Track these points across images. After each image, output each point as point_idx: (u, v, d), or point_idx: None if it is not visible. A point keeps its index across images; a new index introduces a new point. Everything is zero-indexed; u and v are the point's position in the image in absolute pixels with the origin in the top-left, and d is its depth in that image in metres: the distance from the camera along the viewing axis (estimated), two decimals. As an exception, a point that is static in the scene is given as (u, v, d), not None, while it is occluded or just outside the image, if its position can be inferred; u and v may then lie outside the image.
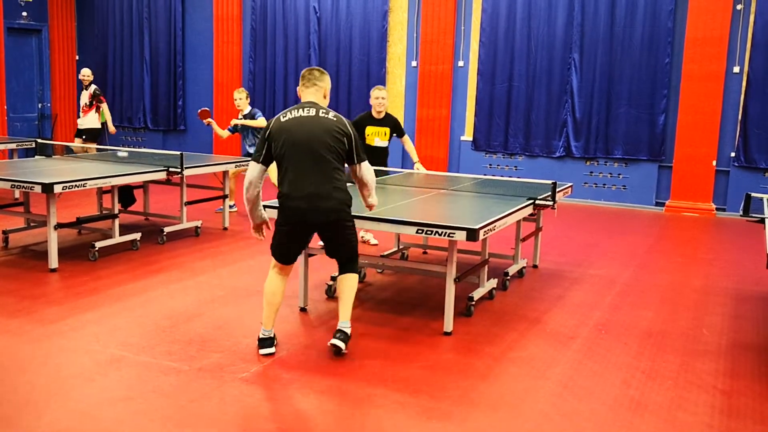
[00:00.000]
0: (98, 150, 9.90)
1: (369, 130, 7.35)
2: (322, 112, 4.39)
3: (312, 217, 4.35)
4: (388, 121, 7.42)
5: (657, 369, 4.53)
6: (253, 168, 4.44)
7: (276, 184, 8.75)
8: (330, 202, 4.34)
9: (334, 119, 4.39)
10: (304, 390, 4.04)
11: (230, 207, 9.29)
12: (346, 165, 4.52)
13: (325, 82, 4.55)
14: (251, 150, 9.06)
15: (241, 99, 9.02)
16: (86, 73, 10.77)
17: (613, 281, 6.65)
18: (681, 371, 4.51)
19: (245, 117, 9.03)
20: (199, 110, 9.15)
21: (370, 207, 4.78)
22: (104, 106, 10.86)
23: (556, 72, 11.31)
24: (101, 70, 15.04)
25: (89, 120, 10.75)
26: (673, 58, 10.70)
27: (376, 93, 7.34)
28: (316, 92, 4.51)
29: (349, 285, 4.59)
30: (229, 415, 3.74)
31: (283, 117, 4.39)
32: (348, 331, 4.53)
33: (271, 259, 4.59)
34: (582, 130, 11.26)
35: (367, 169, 4.55)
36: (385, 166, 7.54)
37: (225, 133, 9.19)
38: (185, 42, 14.26)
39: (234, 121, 9.01)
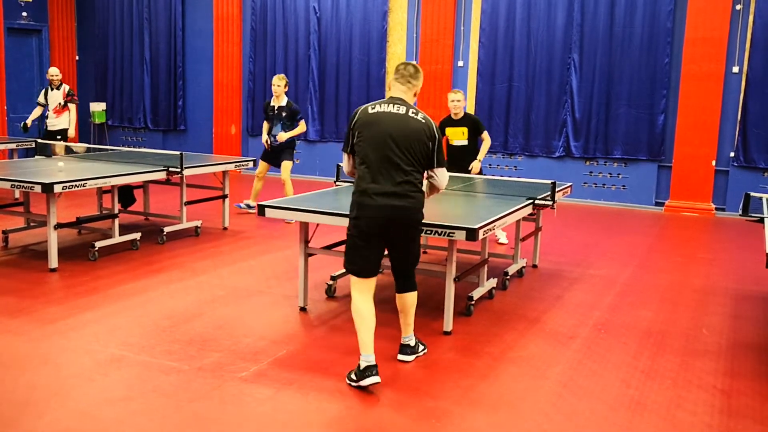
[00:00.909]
0: (93, 150, 9.83)
1: (448, 131, 7.70)
2: (412, 112, 4.19)
3: (389, 214, 4.09)
4: (467, 120, 7.68)
5: (656, 369, 4.54)
6: (345, 161, 4.36)
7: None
8: (409, 202, 4.13)
9: (423, 120, 4.19)
10: (304, 389, 4.05)
11: (249, 207, 9.29)
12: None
13: (419, 81, 4.36)
14: (276, 139, 9.01)
15: (280, 86, 8.92)
16: (55, 73, 10.42)
17: (613, 281, 6.66)
18: (680, 371, 4.51)
19: (281, 109, 8.96)
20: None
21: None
22: (74, 107, 10.49)
23: (556, 72, 11.32)
24: (101, 71, 15.06)
25: (63, 120, 10.46)
26: (673, 58, 10.70)
27: (450, 96, 7.67)
28: (407, 90, 4.30)
29: (413, 301, 4.49)
30: (229, 414, 3.74)
31: (371, 108, 4.20)
32: (413, 342, 4.54)
33: (352, 281, 4.24)
34: (581, 130, 11.27)
35: (443, 176, 4.33)
36: (468, 163, 7.77)
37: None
38: (185, 42, 14.27)
39: (280, 136, 8.91)
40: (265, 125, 9.22)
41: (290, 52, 13.18)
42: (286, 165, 9.02)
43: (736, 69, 10.43)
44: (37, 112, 10.64)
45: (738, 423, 3.83)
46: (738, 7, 10.29)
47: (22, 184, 6.26)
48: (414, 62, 4.35)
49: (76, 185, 6.38)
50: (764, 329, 5.42)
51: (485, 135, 7.75)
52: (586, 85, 11.16)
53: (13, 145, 10.40)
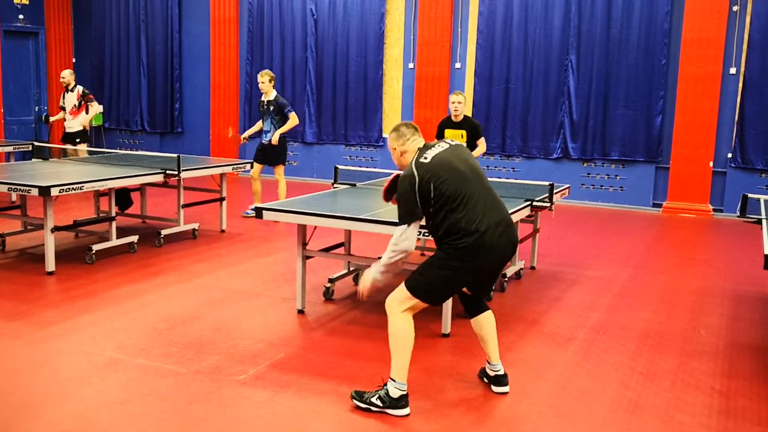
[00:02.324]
0: (91, 153, 9.80)
1: (447, 133, 7.67)
2: (452, 143, 4.10)
3: (504, 253, 3.86)
4: (467, 124, 7.66)
5: (654, 370, 4.53)
6: (413, 229, 3.78)
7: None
8: (515, 230, 4.01)
9: (464, 146, 4.17)
10: (302, 392, 4.04)
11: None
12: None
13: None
14: (267, 136, 9.00)
15: (264, 83, 8.95)
16: (64, 75, 10.27)
17: (611, 282, 6.66)
18: (678, 372, 4.51)
19: (269, 103, 8.98)
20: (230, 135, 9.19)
21: None
22: (95, 104, 10.43)
23: (553, 74, 11.33)
24: (98, 73, 15.04)
25: (79, 122, 10.37)
26: (670, 60, 10.72)
27: (452, 98, 7.63)
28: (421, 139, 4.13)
29: (494, 323, 4.17)
30: (227, 417, 3.73)
31: (423, 158, 3.84)
32: (504, 370, 4.13)
33: (407, 301, 3.90)
34: (579, 132, 11.27)
35: None
36: None
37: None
38: (182, 45, 14.26)
39: (274, 139, 8.92)
40: (258, 124, 9.29)
41: (287, 54, 13.18)
42: (281, 170, 9.09)
43: (733, 70, 10.44)
44: (60, 115, 10.57)
45: (736, 424, 3.83)
46: (735, 8, 10.31)
47: (18, 187, 6.24)
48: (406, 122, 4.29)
49: (73, 188, 6.36)
50: (762, 330, 5.42)
51: (481, 141, 7.71)
52: (583, 87, 11.17)
53: (9, 148, 10.38)
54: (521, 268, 6.80)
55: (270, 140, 8.98)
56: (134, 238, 7.28)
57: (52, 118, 10.81)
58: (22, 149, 10.52)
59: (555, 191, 6.27)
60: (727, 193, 10.54)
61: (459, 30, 11.97)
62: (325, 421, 3.74)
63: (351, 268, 6.26)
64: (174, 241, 7.74)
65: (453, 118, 7.66)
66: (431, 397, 4.05)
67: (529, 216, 6.37)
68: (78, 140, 10.39)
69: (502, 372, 4.11)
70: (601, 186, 11.31)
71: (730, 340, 5.15)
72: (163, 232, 7.64)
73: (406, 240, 3.76)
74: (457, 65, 12.05)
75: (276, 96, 9.04)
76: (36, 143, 9.56)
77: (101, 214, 8.01)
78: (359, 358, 4.60)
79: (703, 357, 4.79)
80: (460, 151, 4.00)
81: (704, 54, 10.36)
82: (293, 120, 9.02)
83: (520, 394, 4.14)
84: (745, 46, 10.31)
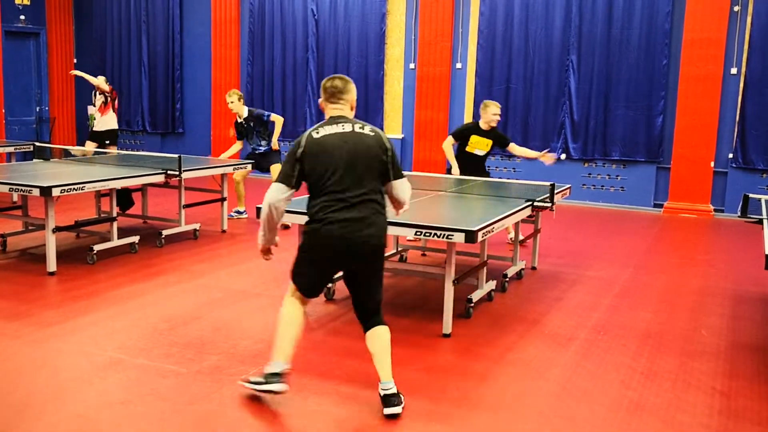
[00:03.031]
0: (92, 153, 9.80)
1: (473, 139, 7.73)
2: (358, 127, 3.87)
3: (348, 246, 3.77)
4: (494, 134, 7.77)
5: (655, 370, 4.53)
6: (281, 191, 3.77)
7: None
8: (372, 229, 3.79)
9: (373, 134, 3.88)
10: (303, 392, 4.04)
11: (240, 213, 9.22)
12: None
13: (350, 93, 3.98)
14: (260, 149, 9.01)
15: (233, 102, 8.82)
16: (100, 82, 10.27)
17: (612, 283, 6.65)
18: (679, 372, 4.51)
19: (247, 120, 8.94)
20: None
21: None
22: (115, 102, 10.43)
23: (554, 74, 11.33)
24: (99, 74, 14.94)
25: (108, 120, 10.31)
26: (671, 60, 10.71)
27: (494, 110, 7.66)
28: (342, 106, 3.96)
29: (386, 340, 3.94)
30: (228, 417, 3.73)
31: (316, 133, 3.84)
32: (395, 389, 3.83)
33: (290, 285, 4.02)
34: (580, 132, 11.27)
35: (403, 187, 3.98)
36: (484, 172, 7.94)
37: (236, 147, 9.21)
38: (183, 45, 14.27)
39: (274, 144, 8.87)
40: (237, 144, 9.18)
41: (288, 54, 13.18)
42: (276, 168, 8.94)
43: (734, 70, 10.44)
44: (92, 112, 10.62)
45: (737, 424, 3.83)
46: (736, 8, 10.30)
47: (20, 187, 6.25)
48: (340, 75, 4.05)
49: (74, 188, 6.37)
50: (763, 330, 5.42)
51: (513, 145, 7.86)
52: (584, 87, 11.17)
53: (11, 149, 10.39)
54: (522, 269, 6.80)
55: (266, 149, 8.97)
56: (135, 239, 7.28)
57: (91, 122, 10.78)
58: (24, 150, 10.53)
59: (556, 191, 6.27)
60: (728, 193, 10.54)
61: (460, 30, 11.97)
62: (326, 421, 3.74)
63: (352, 269, 6.25)
64: (175, 241, 7.74)
65: (483, 125, 7.69)
66: (432, 397, 4.04)
67: (530, 216, 6.37)
68: (107, 141, 10.34)
69: (391, 391, 3.79)
70: (602, 186, 11.31)
71: (731, 340, 5.14)
72: (164, 232, 7.64)
73: (269, 193, 3.78)
74: (458, 65, 12.05)
75: (249, 110, 8.94)
76: (37, 144, 9.56)
77: (102, 215, 8.01)
78: (360, 358, 4.59)
79: (704, 357, 4.79)
80: (357, 140, 3.82)
81: (705, 54, 10.36)
82: (278, 120, 8.98)
83: (521, 394, 4.14)
84: (746, 47, 10.30)
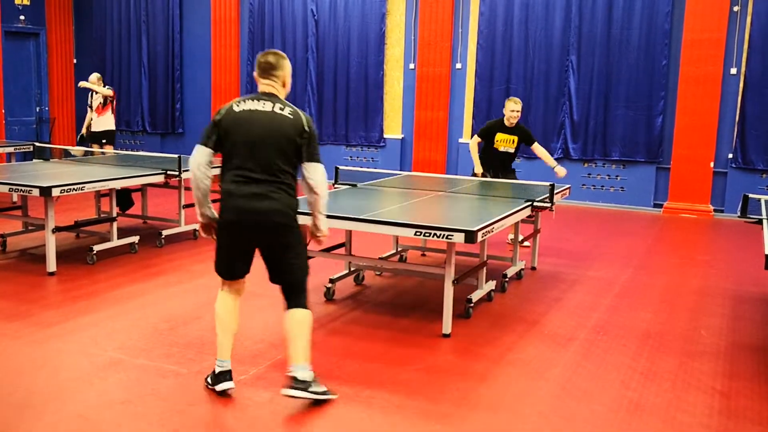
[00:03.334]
0: (91, 153, 9.79)
1: (499, 136, 7.74)
2: (279, 107, 3.90)
3: (251, 220, 3.82)
4: (518, 130, 7.77)
5: (655, 370, 4.53)
6: (201, 152, 3.86)
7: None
8: (273, 204, 3.81)
9: (291, 116, 3.89)
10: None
11: None
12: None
13: (283, 69, 4.01)
14: None
15: None
16: (93, 81, 10.41)
17: (612, 283, 6.66)
18: (679, 372, 4.51)
19: None
20: None
21: (316, 234, 4.09)
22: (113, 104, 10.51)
23: (554, 74, 11.33)
24: (99, 74, 15.02)
25: (105, 121, 10.38)
26: (671, 60, 10.72)
27: (511, 106, 7.70)
28: (272, 83, 3.99)
29: (302, 324, 3.92)
30: (227, 418, 3.73)
31: (237, 106, 3.91)
32: (308, 376, 3.83)
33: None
34: (580, 132, 11.27)
35: (316, 171, 3.92)
36: (510, 171, 7.94)
37: None
38: (183, 45, 14.27)
39: None
40: None
41: (288, 54, 12.80)
42: None
43: (734, 70, 10.44)
44: (88, 116, 10.59)
45: (737, 424, 3.83)
46: (736, 8, 10.30)
47: (19, 187, 6.25)
48: (275, 50, 4.09)
49: (74, 189, 6.37)
50: (763, 330, 5.42)
51: (536, 146, 7.88)
52: (584, 87, 11.17)
53: (10, 149, 10.39)
54: (522, 269, 6.80)
55: None
56: (135, 239, 7.28)
57: (84, 128, 10.71)
58: (23, 150, 10.53)
59: (556, 192, 6.27)
60: (727, 193, 10.54)
61: (460, 30, 11.98)
62: (326, 421, 3.74)
63: (352, 269, 6.26)
64: (175, 241, 7.74)
65: (507, 123, 7.72)
66: (432, 397, 4.05)
67: (529, 216, 6.37)
68: (104, 141, 10.41)
69: (296, 375, 3.81)
70: (602, 186, 11.31)
71: (731, 341, 5.14)
72: (164, 232, 7.64)
73: (192, 155, 3.90)
74: (458, 66, 12.05)
75: None
76: (37, 144, 9.56)
77: (102, 215, 8.01)
78: (360, 358, 4.60)
79: (704, 357, 4.79)
80: (273, 119, 3.86)
81: (705, 54, 10.36)
82: None
83: (520, 394, 4.14)
84: (745, 47, 10.31)
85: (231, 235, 3.94)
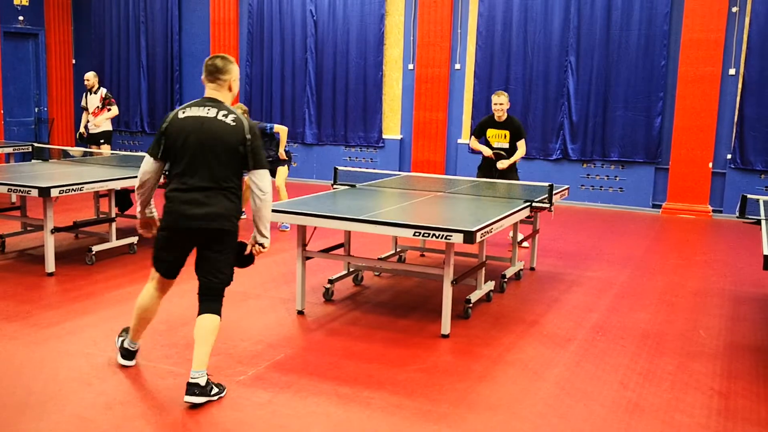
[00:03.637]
0: (90, 154, 9.80)
1: (490, 132, 7.72)
2: (222, 114, 3.95)
3: (190, 224, 3.92)
4: (509, 124, 7.68)
5: (654, 371, 4.54)
6: (147, 162, 4.02)
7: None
8: (210, 209, 3.91)
9: (233, 123, 3.93)
10: (301, 393, 4.04)
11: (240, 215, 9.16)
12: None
13: (230, 74, 4.06)
14: (269, 159, 8.96)
15: None
16: (88, 77, 10.48)
17: (610, 283, 6.66)
18: (678, 373, 4.51)
19: None
20: None
21: (259, 245, 4.17)
22: (114, 107, 10.53)
23: (553, 75, 11.34)
24: (98, 74, 15.01)
25: (103, 122, 10.47)
26: (669, 61, 10.73)
27: (494, 99, 7.66)
28: (219, 87, 4.07)
29: (208, 329, 3.93)
30: (226, 418, 3.73)
31: (182, 113, 4.00)
32: (203, 381, 3.84)
33: (151, 270, 4.16)
34: (579, 133, 11.28)
35: (262, 178, 3.98)
36: (511, 167, 7.80)
37: None
38: (182, 46, 14.27)
39: (281, 154, 8.79)
40: None
41: (287, 55, 13.18)
42: (282, 171, 8.91)
43: (732, 71, 10.45)
44: (84, 117, 10.67)
45: (735, 425, 3.83)
46: (734, 9, 10.32)
47: (18, 188, 6.25)
48: (223, 54, 4.15)
49: (73, 189, 6.37)
50: (761, 331, 5.43)
51: (521, 144, 7.71)
52: (583, 88, 11.18)
53: (9, 149, 10.38)
54: (521, 269, 6.80)
55: (275, 158, 8.93)
56: (134, 239, 7.28)
57: (81, 128, 10.72)
58: (22, 150, 10.53)
59: (554, 192, 6.28)
60: (726, 193, 10.55)
61: (458, 31, 11.98)
62: (325, 421, 3.74)
63: (351, 269, 6.26)
64: (174, 242, 7.72)
65: (496, 118, 7.66)
66: (431, 397, 4.05)
67: (528, 217, 6.38)
68: (102, 141, 10.51)
69: (194, 381, 3.82)
70: (601, 187, 11.32)
71: (730, 341, 5.15)
72: (163, 233, 7.62)
73: (143, 164, 4.07)
74: (457, 66, 12.06)
75: (256, 123, 8.83)
76: (36, 144, 9.56)
77: (101, 215, 8.01)
78: (359, 358, 4.60)
79: (703, 358, 4.80)
80: (215, 127, 3.93)
81: (704, 55, 10.37)
82: (283, 131, 8.86)
83: (519, 394, 4.14)
84: (744, 47, 10.32)
85: (168, 239, 4.05)
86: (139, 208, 4.25)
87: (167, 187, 4.05)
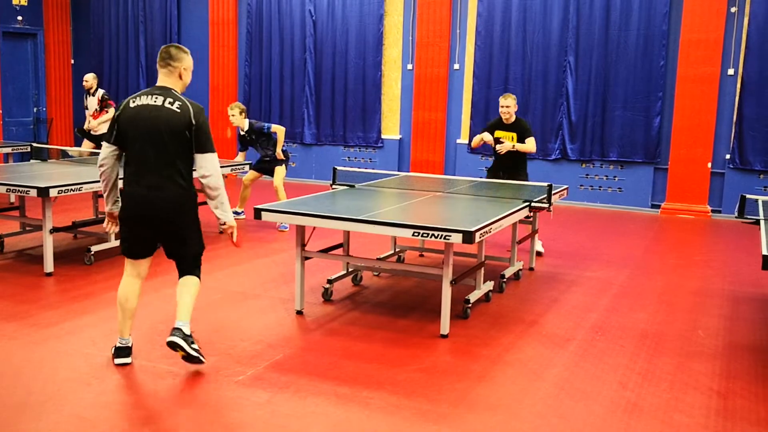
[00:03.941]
0: (91, 154, 9.79)
1: (498, 134, 7.60)
2: (169, 101, 4.14)
3: (147, 209, 4.17)
4: (517, 126, 7.57)
5: (653, 371, 4.54)
6: (104, 148, 4.28)
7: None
8: (166, 193, 4.15)
9: (179, 110, 4.12)
10: (301, 393, 4.04)
11: (237, 214, 9.16)
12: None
13: (181, 62, 4.24)
14: (267, 158, 8.96)
15: (234, 116, 8.67)
16: (87, 79, 10.46)
17: (609, 283, 6.66)
18: (677, 373, 4.52)
19: (248, 134, 8.77)
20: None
21: (222, 228, 4.44)
22: (111, 110, 10.35)
23: (552, 75, 11.34)
24: (97, 74, 14.94)
25: (103, 123, 10.25)
26: (668, 61, 10.73)
27: (501, 101, 7.54)
28: (169, 73, 4.24)
29: (189, 287, 4.35)
30: (226, 418, 3.73)
31: (132, 102, 4.21)
32: (186, 329, 4.22)
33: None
34: (578, 133, 11.29)
35: (205, 161, 4.18)
36: (520, 168, 7.66)
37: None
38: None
39: (278, 154, 8.78)
40: (239, 157, 9.12)
41: (286, 55, 13.18)
42: (280, 171, 8.90)
43: (731, 71, 10.46)
44: (87, 116, 10.59)
45: (735, 425, 3.83)
46: (733, 9, 10.33)
47: (17, 188, 6.24)
48: (178, 44, 4.35)
49: (71, 189, 6.36)
50: (760, 331, 5.43)
51: (530, 140, 7.54)
52: (582, 88, 11.18)
53: (8, 149, 10.37)
54: (520, 269, 6.80)
55: (273, 157, 8.92)
56: (133, 239, 7.26)
57: (86, 125, 10.63)
58: (21, 150, 10.52)
59: (553, 192, 6.28)
60: (725, 194, 10.56)
61: (457, 31, 11.99)
62: (324, 421, 3.74)
63: (350, 269, 6.26)
64: (173, 242, 7.72)
65: (504, 120, 7.57)
66: (429, 397, 4.05)
67: (527, 217, 6.38)
68: (102, 142, 10.35)
69: (177, 327, 4.20)
70: (600, 187, 11.32)
71: (729, 341, 5.15)
72: (162, 233, 7.62)
73: (101, 151, 4.31)
74: (456, 66, 12.06)
75: (250, 123, 8.76)
76: (34, 144, 9.55)
77: (100, 215, 8.00)
78: (358, 359, 4.60)
79: (702, 358, 4.80)
80: (161, 114, 4.13)
81: (702, 55, 10.38)
82: (280, 131, 8.83)
83: (518, 394, 4.14)
84: (743, 47, 10.33)
85: (128, 225, 4.29)
86: (105, 201, 4.41)
87: (126, 172, 4.28)
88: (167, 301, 5.70)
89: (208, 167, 4.18)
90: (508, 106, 7.50)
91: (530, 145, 7.52)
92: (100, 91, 10.47)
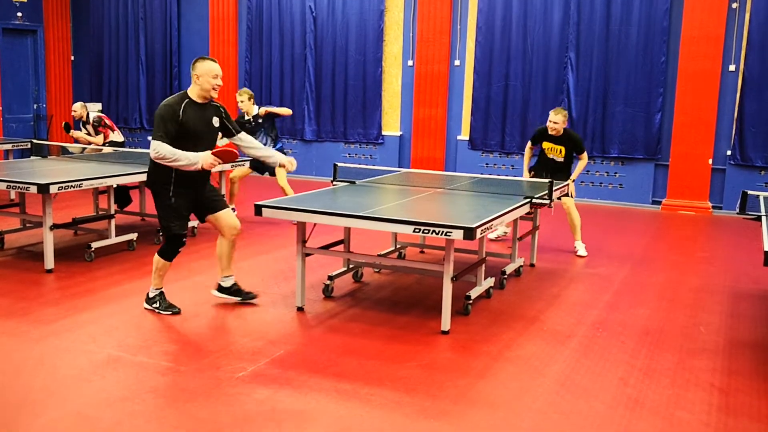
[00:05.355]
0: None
1: (545, 144, 7.59)
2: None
3: None
4: (566, 140, 7.51)
5: (654, 367, 4.54)
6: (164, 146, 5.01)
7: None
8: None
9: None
10: (302, 389, 4.04)
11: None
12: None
13: (193, 70, 5.08)
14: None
15: (243, 102, 8.59)
16: (74, 109, 9.30)
17: (610, 280, 6.66)
18: (678, 369, 4.51)
19: (257, 117, 8.64)
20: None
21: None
22: (117, 132, 9.38)
23: (553, 71, 11.32)
24: (97, 71, 15.03)
25: (111, 136, 9.27)
26: (669, 57, 10.71)
27: (550, 116, 7.46)
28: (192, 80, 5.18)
29: (155, 261, 5.32)
30: (226, 414, 3.73)
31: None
32: (151, 293, 5.35)
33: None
34: (578, 129, 11.24)
35: (154, 147, 4.91)
36: (564, 171, 7.62)
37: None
38: (181, 42, 14.25)
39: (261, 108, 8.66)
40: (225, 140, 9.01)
41: (286, 51, 13.17)
42: (281, 170, 8.65)
43: (732, 67, 10.44)
44: (84, 134, 9.47)
45: (736, 421, 3.83)
46: (734, 5, 10.30)
47: (17, 184, 6.24)
48: (203, 56, 5.21)
49: (72, 186, 6.36)
50: (761, 327, 5.43)
51: (584, 156, 7.57)
52: (582, 84, 11.16)
53: (8, 146, 10.37)
54: (521, 266, 6.80)
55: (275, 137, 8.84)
56: (133, 236, 7.27)
57: (74, 132, 9.47)
58: (21, 147, 10.51)
59: (554, 188, 6.27)
60: (726, 190, 10.55)
61: (458, 27, 11.97)
62: (325, 418, 3.74)
63: (350, 266, 6.25)
64: (173, 238, 7.71)
65: (550, 132, 7.50)
66: (430, 394, 4.04)
67: (528, 213, 6.37)
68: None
69: (152, 294, 5.40)
70: (601, 183, 11.31)
71: (730, 338, 5.15)
72: (162, 229, 7.61)
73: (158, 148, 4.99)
74: (457, 62, 12.04)
75: (259, 108, 8.71)
76: (35, 141, 9.54)
77: (100, 212, 8.00)
78: (358, 355, 4.60)
79: (703, 354, 4.79)
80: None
81: (703, 51, 10.36)
82: (286, 111, 8.78)
83: (519, 391, 4.14)
84: (744, 43, 10.31)
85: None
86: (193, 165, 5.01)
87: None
88: (168, 295, 5.69)
89: (150, 152, 4.99)
90: (556, 122, 7.39)
91: (584, 162, 7.64)
92: (92, 115, 9.26)
